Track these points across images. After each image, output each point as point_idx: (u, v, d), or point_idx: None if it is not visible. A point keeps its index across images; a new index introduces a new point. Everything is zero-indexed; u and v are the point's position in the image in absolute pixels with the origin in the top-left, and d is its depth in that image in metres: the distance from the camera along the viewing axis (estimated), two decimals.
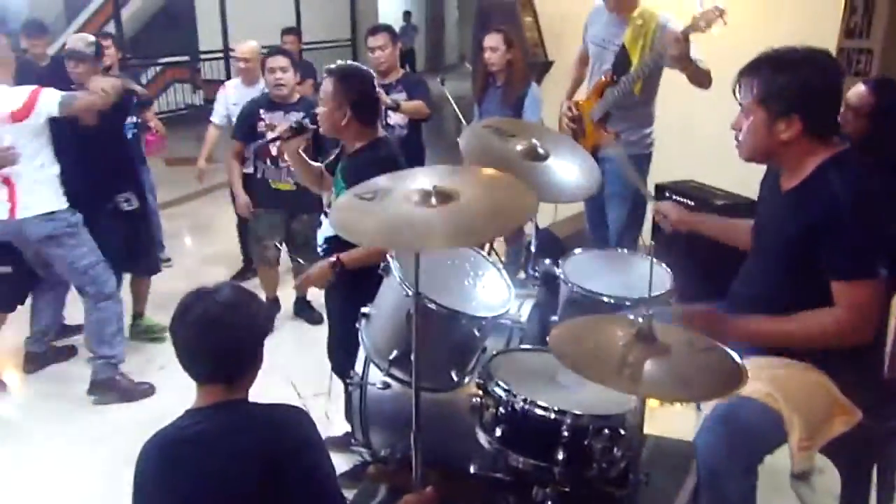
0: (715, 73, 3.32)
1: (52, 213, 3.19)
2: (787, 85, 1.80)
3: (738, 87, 1.90)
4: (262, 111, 3.86)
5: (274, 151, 3.83)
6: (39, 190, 3.16)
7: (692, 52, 3.09)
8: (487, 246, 4.82)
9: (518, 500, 2.14)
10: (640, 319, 1.58)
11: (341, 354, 2.66)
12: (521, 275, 3.96)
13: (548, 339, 1.65)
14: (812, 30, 3.70)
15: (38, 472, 2.93)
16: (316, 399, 3.30)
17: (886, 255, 1.81)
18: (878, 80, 2.82)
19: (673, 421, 2.93)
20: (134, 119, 4.81)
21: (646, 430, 2.77)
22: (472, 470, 2.18)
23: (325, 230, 2.69)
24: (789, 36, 2.00)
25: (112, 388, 3.36)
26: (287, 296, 4.38)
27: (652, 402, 3.01)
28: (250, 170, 4.10)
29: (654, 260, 2.65)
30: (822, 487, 2.41)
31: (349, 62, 2.69)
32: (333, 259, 2.49)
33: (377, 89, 2.64)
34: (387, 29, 4.20)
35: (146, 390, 3.40)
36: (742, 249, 2.19)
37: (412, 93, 4.10)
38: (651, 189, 3.96)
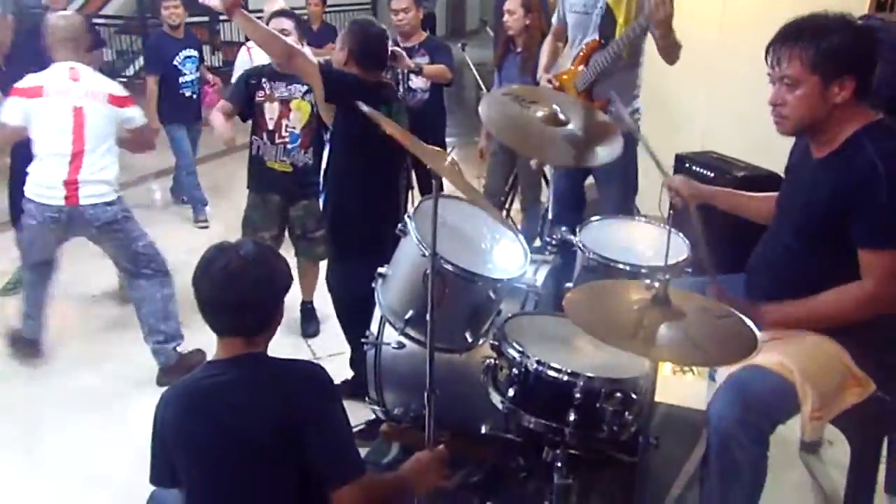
0: (739, 45, 3.21)
1: (112, 200, 3.19)
2: (839, 46, 1.76)
3: (775, 59, 1.84)
4: (264, 80, 3.45)
5: (271, 125, 3.45)
6: (102, 176, 3.17)
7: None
8: (505, 212, 4.84)
9: (528, 461, 2.18)
10: (657, 284, 1.58)
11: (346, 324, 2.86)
12: (537, 242, 3.98)
13: (563, 302, 1.66)
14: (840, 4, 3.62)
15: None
16: (331, 358, 3.36)
17: None
18: None
19: (684, 390, 2.94)
20: (192, 76, 4.96)
21: (657, 398, 2.82)
22: (483, 430, 2.22)
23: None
24: (813, 4, 1.96)
25: (181, 368, 3.21)
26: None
27: (664, 371, 3.06)
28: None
29: (672, 229, 2.66)
30: (831, 459, 2.43)
31: (367, 17, 2.86)
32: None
33: (389, 44, 2.87)
34: None
35: (200, 359, 3.26)
36: (755, 223, 2.17)
37: (434, 57, 4.06)
38: (671, 160, 3.92)
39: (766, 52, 1.88)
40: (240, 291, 1.57)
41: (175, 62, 4.81)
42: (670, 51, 3.03)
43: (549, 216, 2.83)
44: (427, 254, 1.86)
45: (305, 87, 3.42)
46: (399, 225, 2.09)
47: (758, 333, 1.56)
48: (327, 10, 9.67)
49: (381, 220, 2.66)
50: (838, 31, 1.78)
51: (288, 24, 3.50)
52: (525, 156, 3.89)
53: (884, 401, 1.91)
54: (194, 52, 4.99)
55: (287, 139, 3.47)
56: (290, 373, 1.63)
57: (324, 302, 3.90)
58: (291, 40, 3.52)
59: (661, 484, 2.39)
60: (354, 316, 2.67)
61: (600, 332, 1.54)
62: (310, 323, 3.80)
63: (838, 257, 1.82)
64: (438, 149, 1.83)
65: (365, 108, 1.84)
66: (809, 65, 1.78)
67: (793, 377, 1.79)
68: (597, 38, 3.21)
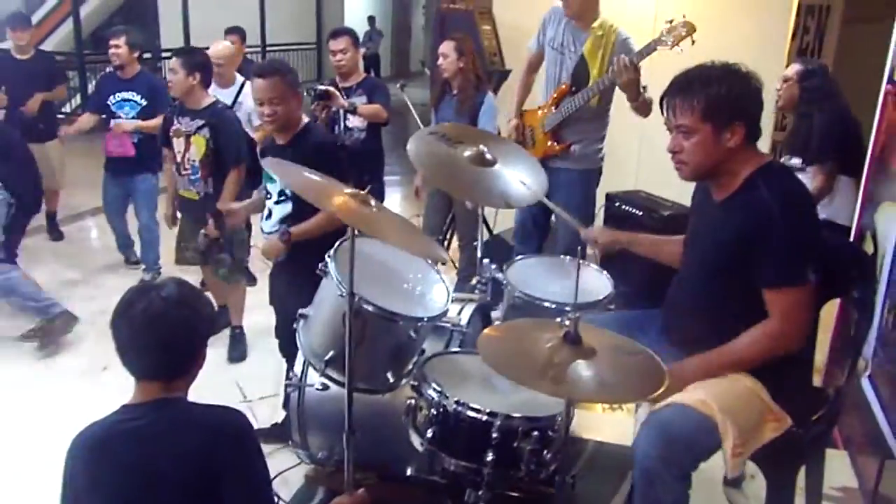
0: (654, 91, 3.38)
1: None
2: (727, 95, 1.84)
3: (669, 110, 1.92)
4: (176, 115, 3.67)
5: (178, 157, 3.67)
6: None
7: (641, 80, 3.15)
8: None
9: (455, 503, 2.16)
10: (567, 323, 1.60)
11: (285, 338, 2.76)
12: (474, 280, 4.00)
13: (477, 341, 1.66)
14: (760, 52, 3.81)
15: None
16: (262, 401, 3.29)
17: (814, 261, 1.86)
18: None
19: (615, 426, 2.97)
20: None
21: (589, 436, 2.84)
22: (408, 472, 2.19)
23: (278, 214, 2.74)
24: (738, 53, 2.06)
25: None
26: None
27: (596, 408, 3.08)
28: None
29: (595, 266, 2.72)
30: (753, 493, 2.46)
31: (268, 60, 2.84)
32: (284, 232, 2.60)
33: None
34: (348, 32, 4.20)
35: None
36: (672, 266, 2.22)
37: (372, 96, 4.09)
38: (601, 198, 4.01)
39: (661, 103, 1.95)
40: (161, 334, 1.53)
41: (109, 102, 4.52)
42: (640, 109, 3.22)
43: (479, 254, 2.84)
44: (345, 294, 1.84)
45: (201, 122, 3.58)
46: (320, 265, 2.08)
47: (665, 369, 1.59)
48: (270, 49, 9.76)
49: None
50: (725, 79, 1.86)
51: (176, 63, 3.59)
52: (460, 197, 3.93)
53: (797, 434, 1.95)
54: (135, 97, 4.57)
55: (189, 171, 3.66)
56: (208, 419, 1.58)
57: (258, 342, 3.92)
58: (178, 77, 3.58)
59: None
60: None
61: (510, 372, 1.55)
62: (235, 347, 3.85)
63: (745, 295, 1.87)
64: (356, 191, 1.82)
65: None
66: (700, 114, 1.85)
67: (714, 414, 1.81)
68: (568, 83, 3.40)
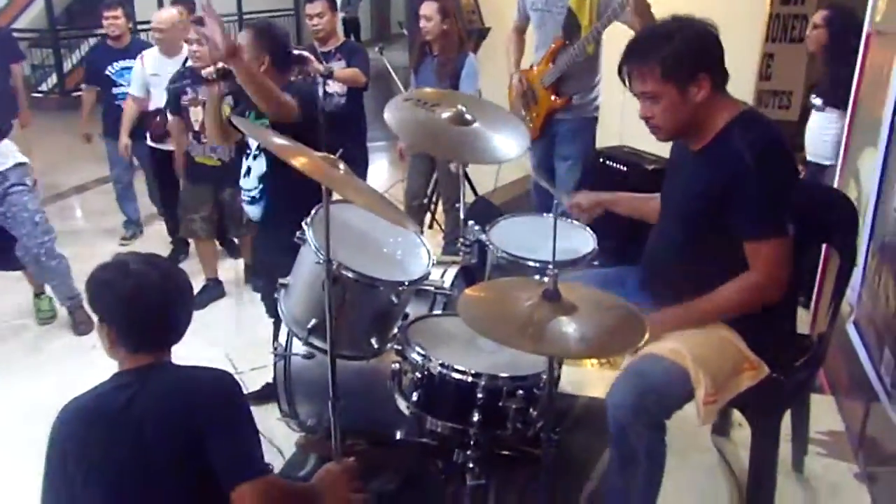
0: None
1: None
2: (682, 49, 1.81)
3: (628, 79, 1.89)
4: (187, 84, 3.77)
5: (196, 126, 3.75)
6: None
7: None
8: (429, 216, 4.84)
9: (446, 464, 2.17)
10: (546, 280, 1.58)
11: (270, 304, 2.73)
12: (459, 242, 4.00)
13: (457, 302, 1.65)
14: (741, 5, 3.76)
15: None
16: (253, 372, 3.29)
17: (792, 211, 1.85)
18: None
19: (607, 382, 2.98)
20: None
21: (579, 392, 2.86)
22: (398, 436, 2.20)
23: (256, 170, 2.71)
24: (721, 3, 2.02)
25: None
26: (226, 272, 4.33)
27: (586, 364, 3.10)
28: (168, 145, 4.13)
29: (578, 223, 2.70)
30: (741, 441, 2.49)
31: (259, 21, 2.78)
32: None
33: (292, 47, 2.81)
34: None
35: None
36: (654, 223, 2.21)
37: (350, 61, 4.03)
38: None
39: (619, 72, 1.92)
40: (159, 306, 1.55)
41: (109, 72, 4.60)
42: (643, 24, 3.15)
43: (462, 215, 2.82)
44: (322, 261, 1.83)
45: (225, 91, 3.41)
46: (298, 233, 2.06)
47: (646, 321, 1.58)
48: (246, 16, 9.57)
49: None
50: (675, 34, 1.82)
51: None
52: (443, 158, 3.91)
53: (779, 381, 1.96)
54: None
55: None
56: (195, 379, 1.59)
57: (247, 313, 3.93)
58: (205, 50, 3.55)
59: (582, 475, 2.41)
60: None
61: (490, 332, 1.54)
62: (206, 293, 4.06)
63: (721, 246, 1.86)
64: (325, 154, 1.79)
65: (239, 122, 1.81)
66: (660, 76, 1.82)
67: (686, 363, 1.82)
68: (561, 38, 3.42)
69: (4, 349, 3.66)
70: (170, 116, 3.92)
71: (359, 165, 4.28)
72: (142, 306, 1.54)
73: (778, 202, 1.82)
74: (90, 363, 3.42)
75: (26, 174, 3.57)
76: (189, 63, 3.92)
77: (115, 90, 4.60)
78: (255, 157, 2.73)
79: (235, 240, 4.39)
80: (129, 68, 4.53)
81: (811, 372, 2.17)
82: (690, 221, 1.94)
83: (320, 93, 3.98)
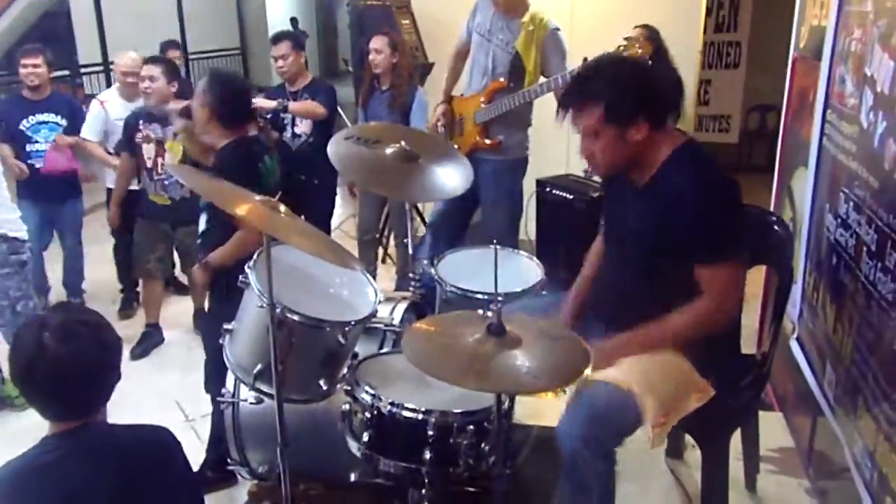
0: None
1: None
2: (623, 95, 1.86)
3: (571, 115, 1.93)
4: (141, 122, 3.77)
5: (149, 164, 3.76)
6: None
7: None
8: (382, 252, 4.83)
9: None
10: (490, 314, 1.59)
11: (212, 373, 2.58)
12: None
13: (402, 340, 1.65)
14: (673, 25, 3.87)
15: None
16: (204, 419, 3.21)
17: (741, 238, 1.89)
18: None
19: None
20: (46, 146, 4.22)
21: (534, 422, 2.85)
22: (352, 478, 2.16)
23: (200, 226, 2.66)
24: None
25: None
26: (177, 314, 4.25)
27: (547, 394, 3.10)
28: (133, 184, 4.00)
29: (525, 254, 2.73)
30: (694, 462, 2.50)
31: (225, 69, 2.76)
32: (203, 262, 2.51)
33: (248, 95, 2.80)
34: (287, 37, 4.19)
35: None
36: None
37: (315, 98, 4.05)
38: (532, 185, 4.02)
39: (560, 107, 1.96)
40: (80, 371, 1.46)
41: (22, 127, 4.13)
42: None
43: (410, 251, 2.83)
44: (265, 304, 1.80)
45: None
46: (241, 276, 2.03)
47: (590, 349, 1.60)
48: (192, 57, 9.52)
49: None
50: (619, 80, 1.88)
51: (154, 70, 3.71)
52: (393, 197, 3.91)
53: (725, 401, 1.98)
54: (54, 118, 4.18)
55: (164, 176, 3.75)
56: (128, 440, 1.54)
57: (196, 359, 3.83)
58: (157, 86, 3.66)
59: None
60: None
61: (434, 370, 1.54)
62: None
63: (673, 276, 1.89)
64: (265, 198, 1.78)
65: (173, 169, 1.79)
66: (602, 118, 1.87)
67: (633, 389, 1.83)
68: (506, 79, 3.37)
69: None
70: (121, 154, 3.90)
71: (329, 198, 4.31)
72: (42, 380, 1.46)
73: (725, 228, 1.86)
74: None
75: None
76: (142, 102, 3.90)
77: (29, 147, 4.11)
78: (200, 214, 2.69)
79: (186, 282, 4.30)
80: (46, 123, 4.16)
81: (757, 391, 2.21)
82: (638, 255, 1.95)
83: (288, 134, 4.04)
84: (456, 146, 3.43)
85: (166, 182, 3.75)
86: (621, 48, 2.84)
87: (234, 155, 2.52)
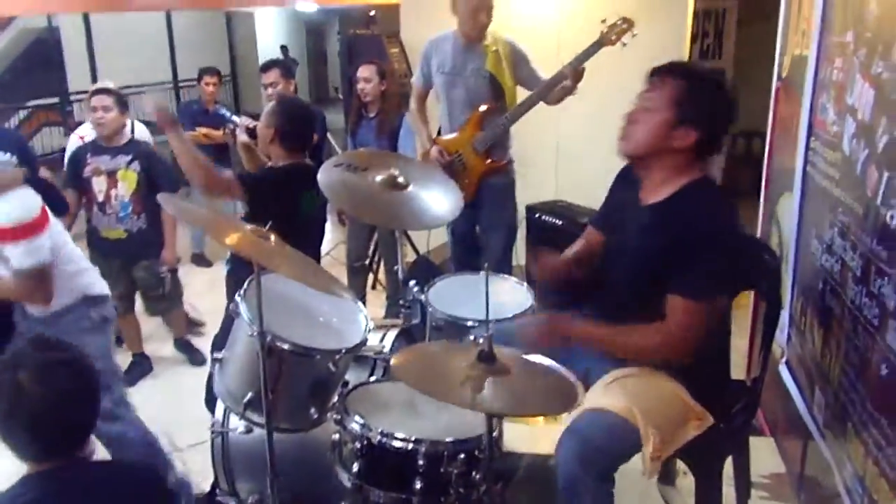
0: (568, 101, 3.51)
1: None
2: (704, 100, 1.87)
3: (651, 83, 1.91)
4: (88, 155, 3.67)
5: (101, 197, 3.64)
6: None
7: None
8: (372, 278, 4.83)
9: None
10: (481, 342, 1.59)
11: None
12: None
13: (392, 365, 1.64)
14: (661, 52, 3.94)
15: None
16: (192, 449, 3.17)
17: (727, 282, 1.90)
18: None
19: (553, 438, 2.98)
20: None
21: (525, 449, 2.84)
22: None
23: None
24: (639, 61, 2.12)
25: None
26: (164, 343, 4.22)
27: (530, 421, 3.09)
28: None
29: (514, 279, 2.73)
30: (686, 488, 2.50)
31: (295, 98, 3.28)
32: None
33: (312, 123, 3.00)
34: (277, 64, 4.27)
35: None
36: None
37: None
38: (522, 211, 4.05)
39: (651, 74, 1.94)
40: (63, 411, 1.42)
41: None
42: (561, 99, 3.36)
43: (401, 277, 2.83)
44: (255, 333, 1.80)
45: (129, 157, 3.60)
46: (231, 305, 2.02)
47: (580, 389, 1.60)
48: (182, 84, 9.55)
49: None
50: (713, 89, 1.90)
51: (107, 100, 3.60)
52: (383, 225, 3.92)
53: (717, 428, 1.99)
54: (6, 155, 3.75)
55: (118, 208, 3.65)
56: (110, 481, 1.51)
57: (182, 387, 3.81)
58: (110, 117, 3.58)
59: None
60: None
61: (428, 389, 1.53)
62: (194, 353, 4.07)
63: (658, 297, 1.88)
64: (255, 227, 1.79)
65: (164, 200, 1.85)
66: (673, 99, 1.85)
67: (636, 420, 1.82)
68: (492, 102, 3.44)
69: None
70: (67, 191, 3.66)
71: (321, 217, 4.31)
72: (21, 423, 1.41)
73: (717, 272, 1.86)
74: None
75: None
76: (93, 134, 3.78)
77: None
78: None
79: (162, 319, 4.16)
80: None
81: (748, 417, 2.21)
82: (641, 272, 1.94)
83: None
84: (466, 181, 3.45)
85: (121, 214, 3.65)
86: (603, 32, 3.05)
87: (276, 177, 2.75)
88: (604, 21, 3.12)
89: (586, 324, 1.97)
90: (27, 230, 2.28)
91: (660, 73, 1.92)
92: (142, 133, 4.24)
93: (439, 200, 2.51)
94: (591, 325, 1.96)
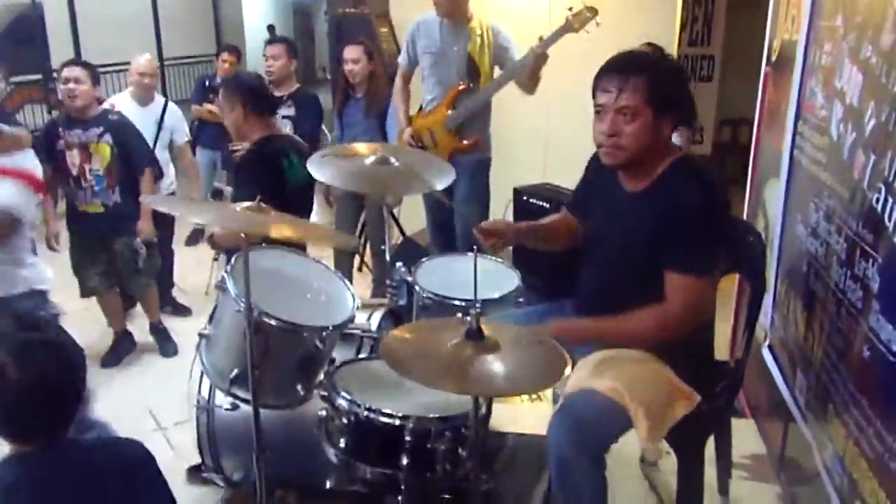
0: (557, 84, 3.51)
1: None
2: (668, 85, 1.86)
3: (611, 88, 1.85)
4: (60, 128, 3.57)
5: (74, 171, 3.54)
6: None
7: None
8: (359, 260, 4.82)
9: None
10: (469, 318, 1.59)
11: None
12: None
13: (380, 345, 1.64)
14: (649, 38, 3.94)
15: None
16: (177, 427, 3.17)
17: (719, 255, 1.90)
18: None
19: (538, 417, 3.00)
20: None
21: (510, 429, 2.86)
22: (328, 485, 2.15)
23: None
24: (630, 46, 2.08)
25: None
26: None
27: (516, 400, 3.11)
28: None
29: (501, 260, 2.74)
30: (669, 468, 2.53)
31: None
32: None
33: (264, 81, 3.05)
34: (285, 41, 4.28)
35: None
36: (562, 250, 2.25)
37: (300, 111, 4.06)
38: (510, 194, 4.06)
39: (598, 80, 1.90)
40: (49, 389, 1.38)
41: None
42: (529, 88, 3.40)
43: (388, 258, 2.83)
44: (242, 308, 1.79)
45: (100, 130, 3.54)
46: (217, 280, 2.01)
47: (568, 358, 1.60)
48: (168, 63, 9.44)
49: None
50: (676, 72, 1.91)
51: (80, 72, 3.54)
52: (373, 195, 3.91)
53: (701, 408, 2.00)
54: None
55: (93, 182, 3.57)
56: (97, 458, 1.50)
57: (167, 365, 3.80)
58: (84, 89, 3.51)
59: None
60: None
61: (414, 373, 1.53)
62: (167, 343, 3.93)
63: (652, 282, 1.89)
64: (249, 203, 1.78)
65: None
66: (648, 97, 1.83)
67: (624, 401, 1.83)
68: (466, 82, 3.50)
69: None
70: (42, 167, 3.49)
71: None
72: (2, 406, 1.38)
73: (710, 244, 1.87)
74: None
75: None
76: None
77: None
78: None
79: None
80: None
81: (730, 397, 2.24)
82: (630, 261, 1.94)
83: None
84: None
85: (96, 188, 3.56)
86: (568, 18, 3.07)
87: (257, 154, 2.72)
88: (570, 9, 3.12)
89: (579, 321, 1.98)
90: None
91: (618, 74, 1.85)
92: (173, 113, 4.28)
93: (429, 168, 2.50)
94: (585, 322, 1.97)
